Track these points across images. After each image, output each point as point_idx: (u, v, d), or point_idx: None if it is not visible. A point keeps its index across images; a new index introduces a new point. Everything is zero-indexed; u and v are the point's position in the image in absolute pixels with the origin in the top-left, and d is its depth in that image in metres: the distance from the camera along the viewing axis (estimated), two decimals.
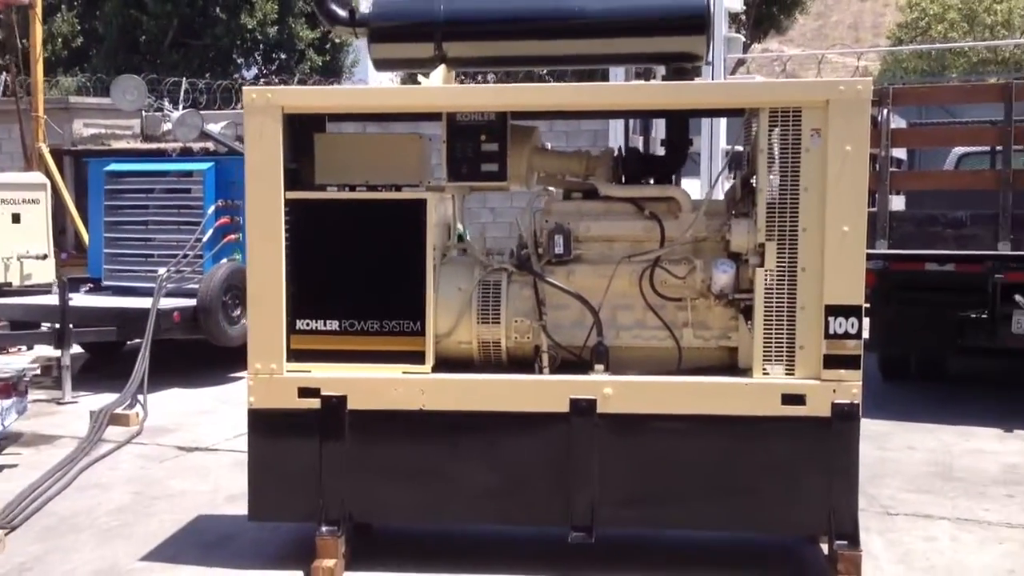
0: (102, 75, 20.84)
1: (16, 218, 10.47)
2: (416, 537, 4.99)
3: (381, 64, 4.98)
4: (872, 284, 7.50)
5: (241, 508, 4.80)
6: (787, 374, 4.30)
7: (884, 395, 8.36)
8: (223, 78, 20.31)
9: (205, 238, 9.21)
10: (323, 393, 4.45)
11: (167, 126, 12.40)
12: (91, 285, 10.02)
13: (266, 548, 4.86)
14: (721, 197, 4.98)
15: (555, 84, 10.21)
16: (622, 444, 4.37)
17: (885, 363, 9.11)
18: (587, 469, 4.37)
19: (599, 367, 4.42)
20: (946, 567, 4.71)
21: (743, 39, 15.20)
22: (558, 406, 4.36)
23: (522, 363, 4.61)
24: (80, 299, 9.30)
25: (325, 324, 4.51)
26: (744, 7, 14.38)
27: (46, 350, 8.78)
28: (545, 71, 15.67)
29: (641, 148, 5.62)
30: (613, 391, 4.36)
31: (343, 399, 4.44)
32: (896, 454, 6.69)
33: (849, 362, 4.25)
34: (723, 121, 10.30)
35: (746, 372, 4.40)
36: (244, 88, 4.58)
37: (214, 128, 11.18)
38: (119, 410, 7.36)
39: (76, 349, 8.96)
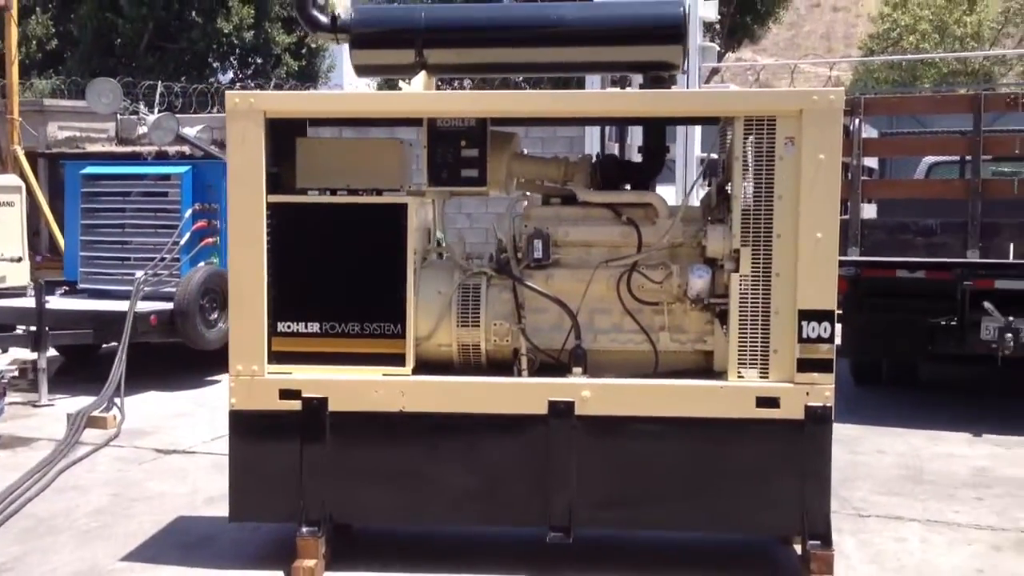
0: (77, 78, 20.74)
1: None
2: (396, 537, 5.04)
3: (362, 70, 5.03)
4: (844, 291, 7.61)
5: (220, 510, 4.84)
6: (761, 377, 4.39)
7: (856, 400, 8.47)
8: (199, 82, 20.26)
9: (182, 241, 9.20)
10: (304, 395, 4.49)
11: (142, 129, 12.39)
12: (66, 288, 9.97)
13: (246, 548, 4.89)
14: (696, 204, 5.06)
15: (536, 91, 10.29)
16: (599, 446, 4.44)
17: (857, 368, 9.23)
18: (565, 470, 4.43)
19: (577, 370, 4.49)
20: (916, 567, 4.81)
21: (717, 48, 15.32)
22: (536, 408, 4.42)
23: (501, 366, 4.67)
24: (56, 302, 9.25)
25: (306, 326, 4.55)
26: (719, 17, 14.50)
27: (22, 353, 8.75)
28: (521, 78, 15.74)
29: (617, 155, 5.69)
30: (591, 394, 4.42)
31: (324, 401, 4.48)
32: (868, 458, 6.80)
33: (822, 366, 4.34)
34: (698, 129, 10.40)
35: (721, 375, 4.48)
36: (227, 92, 4.61)
37: (190, 132, 11.18)
38: (96, 413, 7.35)
39: (51, 352, 8.92)
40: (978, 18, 32.49)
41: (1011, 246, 7.54)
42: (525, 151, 5.16)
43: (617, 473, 4.46)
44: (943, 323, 7.65)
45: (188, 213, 9.26)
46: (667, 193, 5.83)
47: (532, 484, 4.46)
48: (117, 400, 7.62)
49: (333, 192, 4.63)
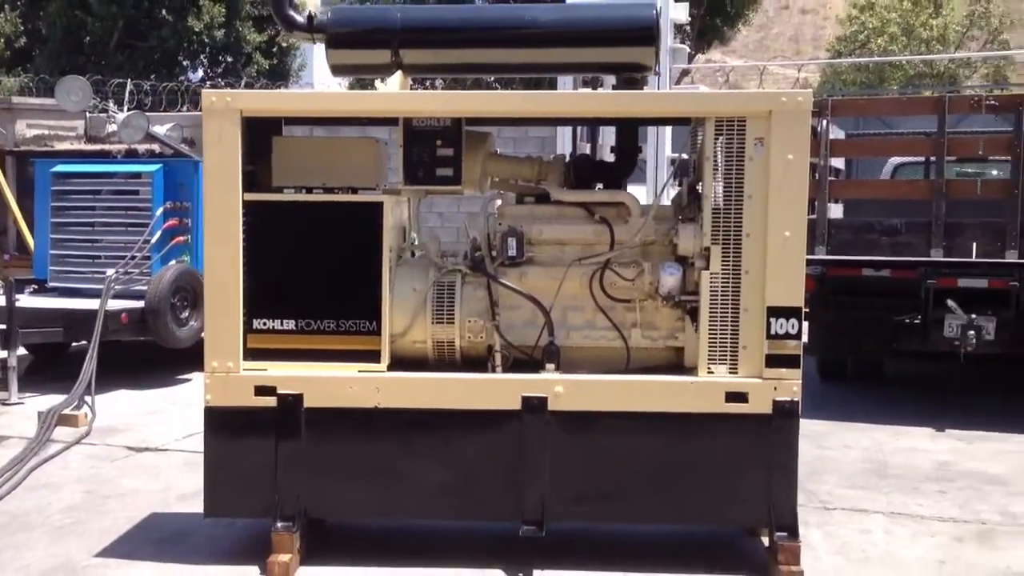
0: (45, 76, 20.53)
1: None
2: (370, 532, 5.08)
3: (338, 70, 5.07)
4: (811, 289, 7.73)
5: (193, 506, 4.86)
6: (731, 373, 4.48)
7: (822, 396, 8.60)
8: (169, 80, 20.12)
9: (153, 240, 9.19)
10: (279, 391, 4.52)
11: (112, 127, 12.28)
12: (36, 286, 9.93)
13: (221, 544, 4.91)
14: (668, 203, 5.14)
15: (510, 92, 10.35)
16: (572, 441, 4.50)
17: (823, 365, 9.37)
18: (538, 465, 4.50)
19: (550, 366, 4.56)
20: (880, 558, 4.92)
21: (688, 50, 15.46)
22: (510, 404, 4.48)
23: (475, 362, 4.73)
24: (26, 300, 9.21)
25: (282, 323, 4.59)
26: (689, 18, 14.62)
27: None
28: (493, 78, 15.80)
29: (590, 155, 5.77)
30: (564, 389, 4.49)
31: (299, 397, 4.52)
32: (833, 452, 6.92)
33: (790, 361, 4.43)
34: (669, 129, 10.51)
35: (692, 371, 4.57)
36: (203, 91, 4.64)
37: (160, 130, 11.13)
38: (67, 411, 7.34)
39: (21, 351, 8.88)
40: (944, 21, 32.94)
41: (974, 245, 7.70)
42: (499, 151, 5.23)
43: (589, 467, 4.53)
44: (907, 321, 7.79)
45: (159, 211, 9.25)
46: (638, 192, 5.91)
47: (505, 479, 4.52)
48: (88, 398, 7.61)
49: (309, 190, 4.66)
